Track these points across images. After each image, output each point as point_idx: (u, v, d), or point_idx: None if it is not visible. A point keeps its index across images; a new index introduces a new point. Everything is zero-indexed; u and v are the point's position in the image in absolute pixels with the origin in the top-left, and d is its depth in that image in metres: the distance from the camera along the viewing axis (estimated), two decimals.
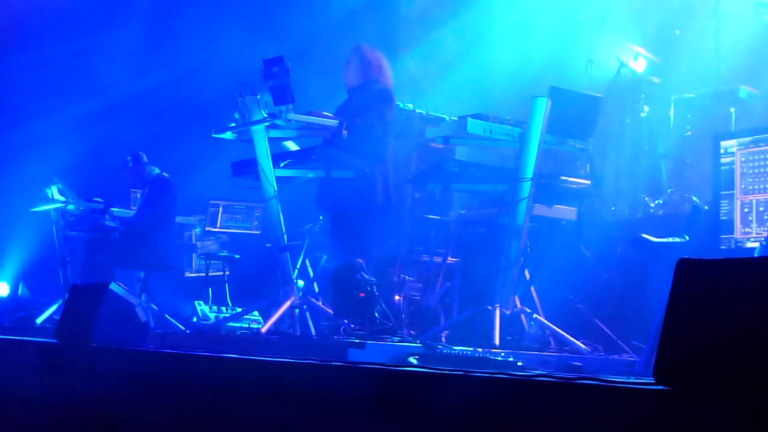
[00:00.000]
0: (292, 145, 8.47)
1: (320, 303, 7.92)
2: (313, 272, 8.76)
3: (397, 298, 7.88)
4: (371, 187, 8.04)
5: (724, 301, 2.99)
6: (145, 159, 10.58)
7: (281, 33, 12.89)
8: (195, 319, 9.84)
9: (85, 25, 13.28)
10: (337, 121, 7.88)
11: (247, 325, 9.14)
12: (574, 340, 7.12)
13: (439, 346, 6.49)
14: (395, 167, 8.38)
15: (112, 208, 10.53)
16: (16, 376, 6.43)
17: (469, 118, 7.43)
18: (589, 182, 7.74)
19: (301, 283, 8.23)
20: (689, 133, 9.39)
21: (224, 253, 11.11)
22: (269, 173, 7.76)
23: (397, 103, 8.53)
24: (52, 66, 13.35)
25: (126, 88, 13.35)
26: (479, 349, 6.45)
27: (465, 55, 11.52)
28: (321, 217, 8.74)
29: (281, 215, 7.84)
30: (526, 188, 7.27)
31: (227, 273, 10.88)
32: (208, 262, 11.01)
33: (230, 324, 8.80)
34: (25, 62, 13.42)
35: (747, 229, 6.57)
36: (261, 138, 7.73)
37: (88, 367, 5.97)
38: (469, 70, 11.35)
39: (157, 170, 10.56)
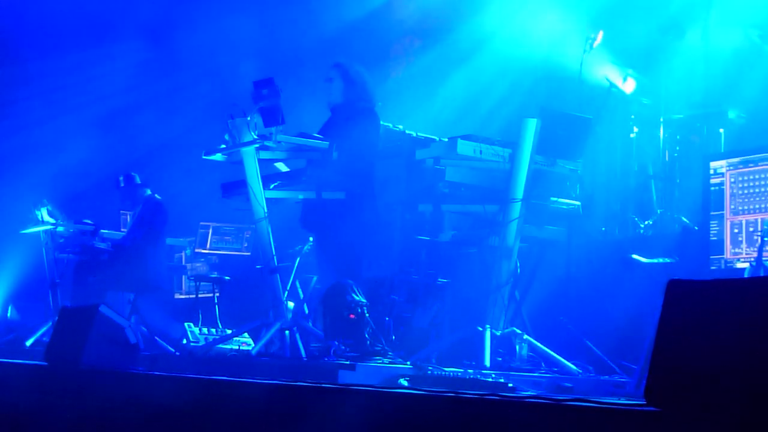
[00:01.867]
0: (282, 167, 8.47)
1: (310, 324, 7.91)
2: (304, 293, 8.75)
3: (387, 319, 7.85)
4: (358, 208, 8.03)
5: (714, 322, 2.99)
6: (137, 180, 10.55)
7: (271, 53, 12.92)
8: (185, 341, 9.80)
9: (74, 45, 13.26)
10: (327, 143, 7.89)
11: (237, 347, 9.12)
12: (565, 361, 7.11)
13: (430, 368, 6.47)
14: (385, 188, 8.38)
15: (102, 230, 10.50)
16: (6, 399, 6.40)
17: (459, 139, 7.44)
18: (579, 203, 7.75)
19: (291, 304, 8.21)
20: (678, 153, 9.42)
21: (214, 275, 11.09)
22: (259, 195, 7.75)
23: (387, 124, 8.53)
24: (40, 87, 13.33)
25: (115, 110, 13.33)
26: (470, 371, 6.43)
27: (455, 75, 11.54)
28: (311, 239, 8.73)
29: (271, 236, 7.83)
30: (517, 209, 7.27)
31: (217, 295, 10.85)
32: (198, 283, 10.98)
33: (220, 346, 8.78)
34: (12, 82, 13.38)
35: (737, 250, 6.58)
36: (251, 159, 7.73)
37: (78, 389, 5.95)
38: (459, 91, 11.37)
39: (149, 191, 10.53)
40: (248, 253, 11.85)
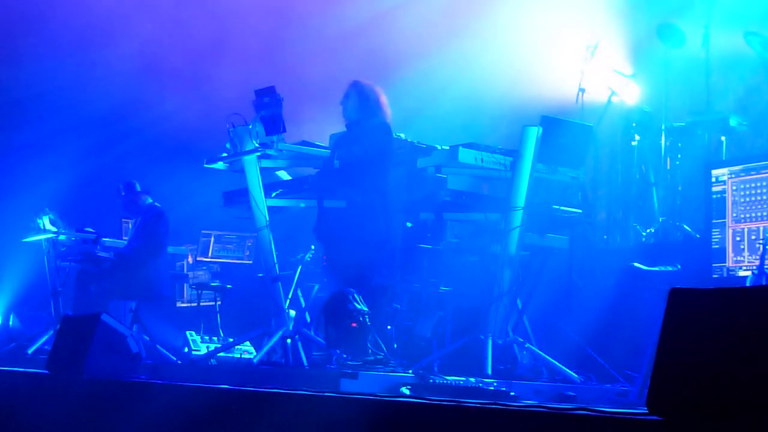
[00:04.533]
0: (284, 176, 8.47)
1: (312, 333, 7.90)
2: (305, 302, 8.73)
3: (389, 327, 7.85)
4: (370, 218, 8.02)
5: (716, 330, 2.99)
6: (138, 188, 10.54)
7: (272, 62, 12.91)
8: (186, 350, 9.80)
9: (75, 50, 13.23)
10: (329, 151, 7.89)
11: (238, 356, 9.11)
12: (567, 370, 7.11)
13: (432, 376, 6.47)
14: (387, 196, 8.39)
15: (104, 239, 10.49)
16: (8, 407, 6.39)
17: (460, 147, 7.44)
18: (580, 211, 7.74)
19: (293, 313, 8.21)
20: (680, 161, 9.42)
21: (216, 283, 11.08)
22: (261, 203, 7.76)
23: None
24: (43, 96, 13.31)
25: (117, 117, 13.32)
26: (472, 379, 6.43)
27: (456, 83, 11.53)
28: (313, 247, 8.72)
29: (273, 245, 7.83)
30: (518, 217, 7.27)
31: (219, 303, 10.85)
32: (199, 292, 10.97)
33: (222, 354, 8.77)
34: (13, 87, 13.36)
35: (739, 258, 6.57)
36: (252, 168, 7.74)
37: (80, 398, 5.95)
38: (460, 99, 11.36)
39: (150, 199, 10.52)
40: (250, 262, 11.85)
